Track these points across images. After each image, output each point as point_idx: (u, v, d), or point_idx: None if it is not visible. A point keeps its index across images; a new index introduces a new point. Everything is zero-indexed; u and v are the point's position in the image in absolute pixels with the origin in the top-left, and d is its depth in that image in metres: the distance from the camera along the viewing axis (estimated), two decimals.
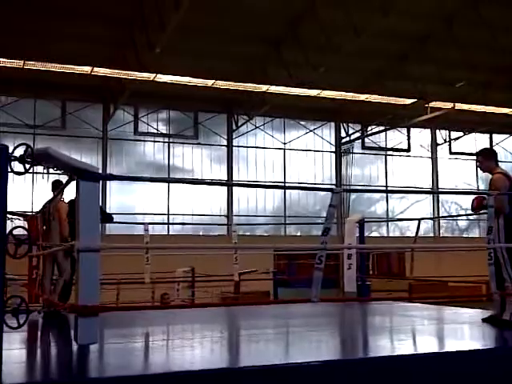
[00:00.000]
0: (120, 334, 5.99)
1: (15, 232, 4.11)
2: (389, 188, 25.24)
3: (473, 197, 6.19)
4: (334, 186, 22.62)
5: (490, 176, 6.16)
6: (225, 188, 23.31)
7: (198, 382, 3.68)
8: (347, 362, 4.28)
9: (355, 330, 6.75)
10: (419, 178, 25.49)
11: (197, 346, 5.31)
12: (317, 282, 4.76)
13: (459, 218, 25.51)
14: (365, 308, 8.64)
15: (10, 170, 3.46)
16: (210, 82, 19.86)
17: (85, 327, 3.77)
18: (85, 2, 15.46)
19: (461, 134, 25.57)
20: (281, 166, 24.27)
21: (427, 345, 5.49)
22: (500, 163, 23.45)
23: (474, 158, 6.46)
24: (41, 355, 4.97)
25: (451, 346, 5.57)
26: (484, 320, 5.95)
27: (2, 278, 3.23)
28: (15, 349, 4.84)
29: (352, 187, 24.70)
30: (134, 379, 3.69)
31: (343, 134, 25.25)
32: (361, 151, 25.48)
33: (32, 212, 13.69)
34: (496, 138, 27.51)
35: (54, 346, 5.57)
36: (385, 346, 5.40)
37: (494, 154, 6.25)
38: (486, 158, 6.12)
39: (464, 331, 6.21)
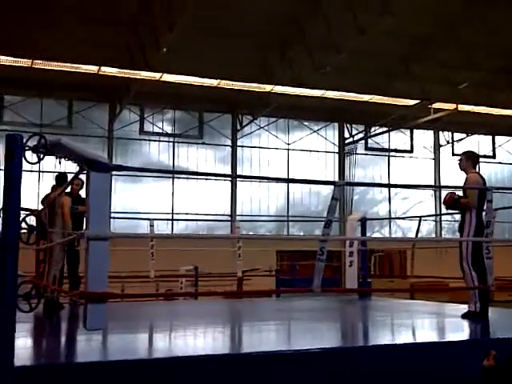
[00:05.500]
0: (126, 322, 6.14)
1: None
2: (391, 189, 25.36)
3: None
4: None
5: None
6: (228, 188, 23.41)
7: (204, 366, 3.83)
8: (346, 351, 4.43)
9: (355, 323, 6.89)
10: (422, 179, 25.51)
11: (200, 334, 5.46)
12: (319, 272, 4.90)
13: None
14: (366, 303, 8.78)
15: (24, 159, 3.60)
16: (215, 82, 19.97)
17: (94, 313, 3.90)
18: (93, 2, 15.64)
19: (464, 135, 25.62)
20: (284, 166, 24.37)
21: (421, 336, 5.64)
22: (503, 165, 23.46)
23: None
24: (49, 340, 5.12)
25: (443, 336, 5.72)
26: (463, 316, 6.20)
27: (16, 260, 3.37)
28: (23, 336, 4.99)
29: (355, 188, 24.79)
30: (140, 363, 3.84)
31: (346, 134, 25.34)
32: (364, 152, 25.57)
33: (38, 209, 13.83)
34: (499, 139, 27.56)
35: (63, 332, 5.73)
36: (382, 336, 5.55)
37: (475, 157, 6.73)
38: (467, 159, 6.59)
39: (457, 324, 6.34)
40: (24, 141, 3.62)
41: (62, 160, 3.99)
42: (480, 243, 5.98)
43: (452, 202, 6.40)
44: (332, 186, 5.34)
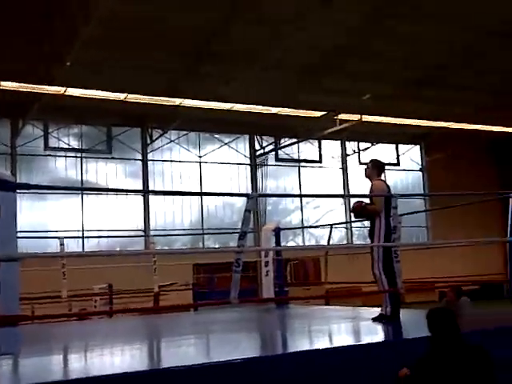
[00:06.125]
0: (39, 345, 5.91)
1: None
2: (303, 199, 26.00)
3: None
4: None
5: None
6: (141, 203, 23.08)
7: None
8: (267, 359, 4.46)
9: (274, 331, 6.96)
10: (331, 188, 26.20)
11: (117, 352, 5.34)
12: (235, 283, 4.94)
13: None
14: (283, 312, 8.88)
15: None
16: (122, 96, 19.70)
17: (6, 337, 3.75)
18: None
19: (369, 144, 26.62)
20: (197, 179, 24.32)
21: (337, 340, 5.78)
22: (406, 172, 24.52)
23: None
24: None
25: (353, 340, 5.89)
26: (374, 319, 6.39)
27: None
28: None
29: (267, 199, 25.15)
30: None
31: (257, 146, 25.67)
32: (275, 163, 25.97)
33: None
34: (402, 148, 28.77)
35: None
36: (300, 342, 5.64)
37: (381, 165, 6.94)
38: (373, 167, 6.82)
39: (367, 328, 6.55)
40: None
41: None
42: (390, 248, 6.21)
43: (360, 210, 6.64)
44: (246, 198, 5.40)
